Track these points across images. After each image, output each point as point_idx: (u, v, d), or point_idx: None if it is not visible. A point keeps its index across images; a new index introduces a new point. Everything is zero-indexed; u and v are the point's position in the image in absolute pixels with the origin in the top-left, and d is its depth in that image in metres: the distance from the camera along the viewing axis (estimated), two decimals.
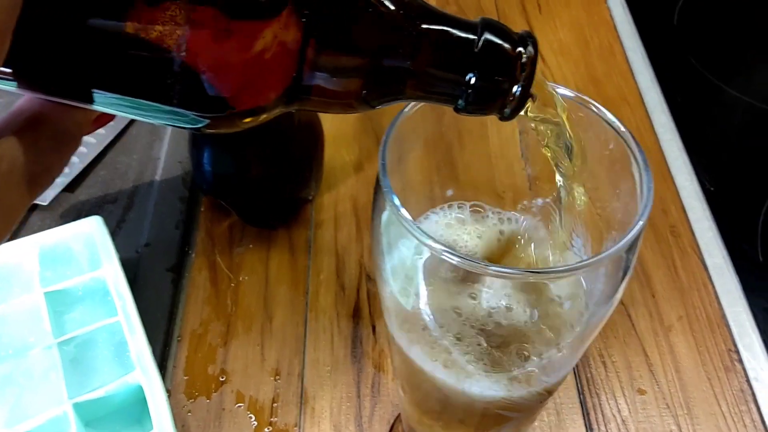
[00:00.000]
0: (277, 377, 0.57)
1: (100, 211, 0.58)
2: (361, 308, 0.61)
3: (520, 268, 0.28)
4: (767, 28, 0.90)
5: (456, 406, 0.40)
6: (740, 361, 0.58)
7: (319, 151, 0.64)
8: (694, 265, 0.64)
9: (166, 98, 0.25)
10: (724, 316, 0.61)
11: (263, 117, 0.27)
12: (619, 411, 0.55)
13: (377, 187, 0.32)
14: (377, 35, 0.27)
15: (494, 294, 0.34)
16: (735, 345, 0.59)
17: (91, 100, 0.25)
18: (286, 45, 0.25)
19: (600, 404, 0.56)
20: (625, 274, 0.32)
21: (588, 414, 0.55)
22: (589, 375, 0.57)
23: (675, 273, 0.63)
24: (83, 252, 0.58)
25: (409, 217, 0.30)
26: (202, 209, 0.67)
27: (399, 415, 0.54)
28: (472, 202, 0.42)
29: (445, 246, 0.29)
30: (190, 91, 0.25)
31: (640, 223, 0.30)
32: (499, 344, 0.33)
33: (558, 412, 0.55)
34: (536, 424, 0.54)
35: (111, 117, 0.29)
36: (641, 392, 0.56)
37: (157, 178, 0.68)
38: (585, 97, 0.35)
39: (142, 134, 0.73)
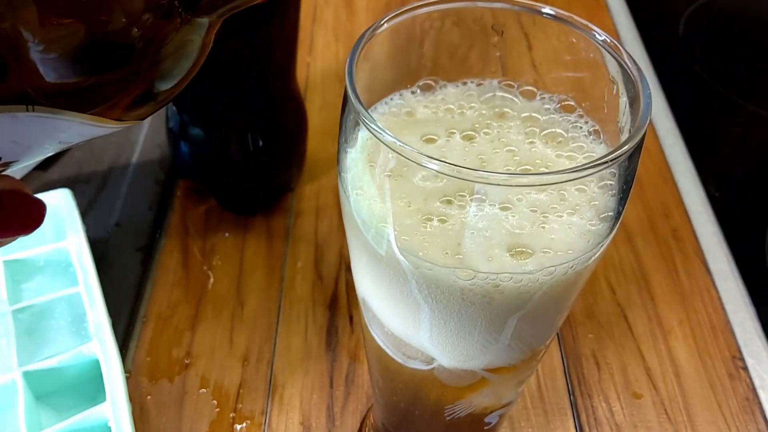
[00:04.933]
0: (246, 363, 0.53)
1: (72, 190, 0.56)
2: (339, 298, 0.57)
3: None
4: None
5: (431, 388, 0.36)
6: (745, 368, 0.54)
7: (302, 137, 0.61)
8: (696, 270, 0.60)
9: None
10: (728, 323, 0.57)
11: None
12: (612, 414, 0.51)
13: (344, 102, 0.29)
14: None
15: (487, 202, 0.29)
16: (740, 352, 0.55)
17: None
18: None
19: (592, 406, 0.52)
20: (624, 194, 0.29)
21: (578, 416, 0.51)
22: (580, 375, 0.53)
23: (676, 277, 0.59)
24: (47, 223, 0.55)
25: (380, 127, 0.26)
26: (179, 194, 0.64)
27: (371, 407, 0.50)
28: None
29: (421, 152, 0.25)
30: None
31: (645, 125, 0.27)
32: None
33: (546, 412, 0.51)
34: (522, 425, 0.50)
35: None
36: (637, 396, 0.52)
37: (134, 160, 0.65)
38: (566, 13, 0.32)
39: None
